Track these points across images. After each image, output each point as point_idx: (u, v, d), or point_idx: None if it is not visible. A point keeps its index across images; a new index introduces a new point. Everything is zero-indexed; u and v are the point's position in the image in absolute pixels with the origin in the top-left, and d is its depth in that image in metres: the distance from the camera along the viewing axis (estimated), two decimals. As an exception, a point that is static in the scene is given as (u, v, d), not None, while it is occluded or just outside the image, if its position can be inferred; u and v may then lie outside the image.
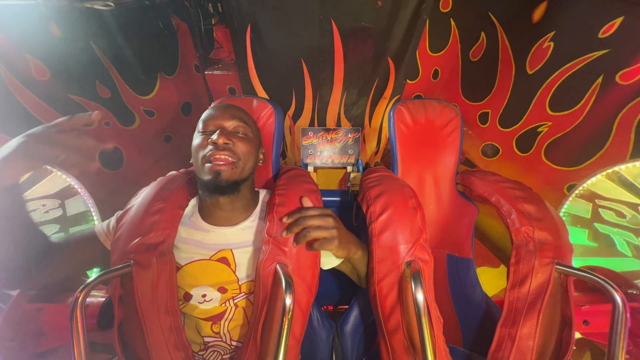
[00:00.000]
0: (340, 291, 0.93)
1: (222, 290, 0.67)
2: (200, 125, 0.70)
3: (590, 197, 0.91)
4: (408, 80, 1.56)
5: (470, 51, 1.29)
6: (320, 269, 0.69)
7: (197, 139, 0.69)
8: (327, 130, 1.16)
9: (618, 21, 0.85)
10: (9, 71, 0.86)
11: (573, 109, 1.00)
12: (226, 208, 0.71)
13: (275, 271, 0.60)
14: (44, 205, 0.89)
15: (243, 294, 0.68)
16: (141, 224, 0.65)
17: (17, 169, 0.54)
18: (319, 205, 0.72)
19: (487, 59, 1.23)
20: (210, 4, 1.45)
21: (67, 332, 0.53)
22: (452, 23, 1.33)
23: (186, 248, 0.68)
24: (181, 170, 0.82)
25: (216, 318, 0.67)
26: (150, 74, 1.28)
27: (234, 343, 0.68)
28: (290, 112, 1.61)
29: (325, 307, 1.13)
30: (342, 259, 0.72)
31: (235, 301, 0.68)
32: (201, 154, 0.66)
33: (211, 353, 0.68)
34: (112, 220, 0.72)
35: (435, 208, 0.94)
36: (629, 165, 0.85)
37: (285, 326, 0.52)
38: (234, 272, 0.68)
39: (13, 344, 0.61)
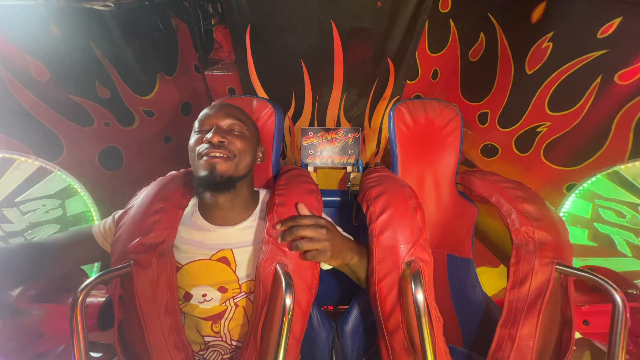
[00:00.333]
0: (340, 291, 0.93)
1: (222, 289, 0.67)
2: (196, 125, 0.70)
3: (590, 197, 0.91)
4: (408, 81, 1.56)
5: (470, 51, 1.30)
6: (320, 268, 0.69)
7: (193, 138, 0.69)
8: (327, 131, 1.16)
9: (617, 21, 0.85)
10: (8, 71, 0.86)
11: (572, 109, 1.00)
12: (225, 207, 0.71)
13: (275, 271, 0.60)
14: (44, 205, 0.88)
15: (243, 293, 0.68)
16: (141, 224, 0.65)
17: None
18: (320, 206, 0.72)
19: (486, 59, 1.23)
20: (210, 5, 1.45)
21: (67, 332, 0.52)
22: (452, 23, 1.33)
23: (186, 248, 0.68)
24: (181, 170, 0.82)
25: (216, 317, 0.67)
26: (149, 74, 1.28)
27: (234, 343, 0.68)
28: (290, 112, 1.61)
29: (325, 307, 1.12)
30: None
31: (235, 300, 0.68)
32: (196, 151, 0.67)
33: (211, 353, 0.68)
34: (109, 219, 0.72)
35: (435, 208, 0.94)
36: (629, 165, 0.86)
37: (285, 326, 0.52)
38: (234, 272, 0.68)
39: (13, 344, 0.61)
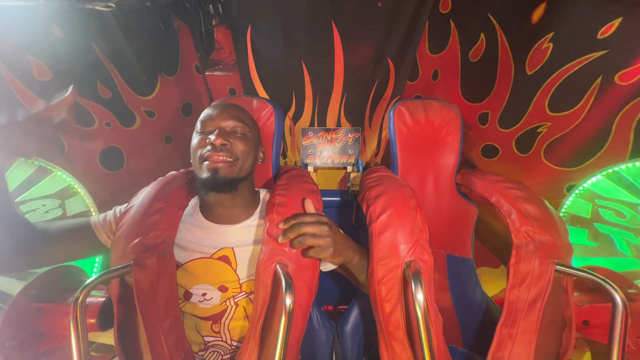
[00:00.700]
0: (340, 291, 0.93)
1: (222, 289, 0.67)
2: (198, 126, 0.70)
3: (590, 197, 0.91)
4: (408, 81, 1.56)
5: (470, 52, 1.30)
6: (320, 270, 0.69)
7: (195, 139, 0.69)
8: (327, 131, 1.17)
9: (617, 22, 0.85)
10: (10, 72, 0.86)
11: (572, 110, 1.00)
12: (226, 205, 0.71)
13: (275, 271, 0.60)
14: (44, 205, 0.89)
15: (244, 293, 0.68)
16: (141, 223, 0.65)
17: None
18: (320, 206, 0.73)
19: (486, 60, 1.23)
20: (211, 5, 1.45)
21: (67, 332, 0.53)
22: (452, 24, 1.33)
23: (187, 246, 0.69)
24: (181, 170, 0.83)
25: (216, 317, 0.67)
26: (150, 74, 1.29)
27: (234, 343, 0.68)
28: (291, 113, 1.61)
29: (325, 307, 1.12)
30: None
31: (235, 300, 0.68)
32: (199, 153, 0.67)
33: (211, 353, 0.68)
34: (110, 212, 0.72)
35: (435, 208, 0.94)
36: (629, 165, 0.86)
37: (285, 326, 0.52)
38: (235, 271, 0.68)
39: (13, 344, 0.61)
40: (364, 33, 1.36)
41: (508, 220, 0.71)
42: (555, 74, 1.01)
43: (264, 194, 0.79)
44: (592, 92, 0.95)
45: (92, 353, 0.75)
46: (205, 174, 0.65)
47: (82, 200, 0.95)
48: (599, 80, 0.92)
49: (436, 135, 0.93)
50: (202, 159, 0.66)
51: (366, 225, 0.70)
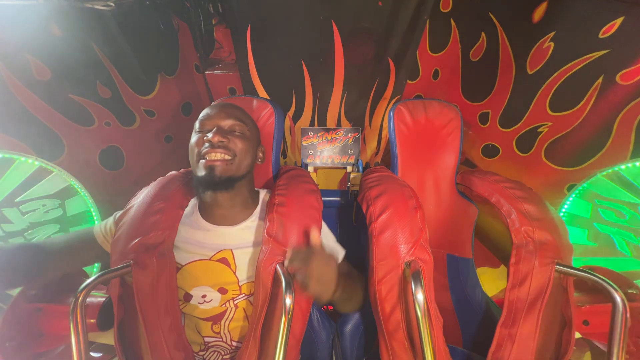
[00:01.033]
0: (340, 291, 0.92)
1: (222, 290, 0.67)
2: (197, 125, 0.70)
3: (591, 197, 0.91)
4: (408, 81, 1.55)
5: (471, 51, 1.29)
6: None
7: (194, 138, 0.69)
8: (327, 130, 1.16)
9: (618, 21, 0.85)
10: (9, 71, 0.86)
11: (573, 109, 1.00)
12: (225, 205, 0.71)
13: (275, 271, 0.60)
14: (44, 205, 0.89)
15: (243, 295, 0.68)
16: (141, 224, 0.65)
17: None
18: (320, 206, 0.72)
19: (487, 59, 1.23)
20: (210, 4, 1.45)
21: (67, 332, 0.53)
22: (453, 23, 1.32)
23: (187, 248, 0.68)
24: (181, 170, 0.83)
25: (216, 318, 0.67)
26: (150, 74, 1.28)
27: (234, 343, 0.68)
28: (291, 112, 1.61)
29: (325, 307, 1.12)
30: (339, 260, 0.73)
31: (235, 302, 0.68)
32: (197, 150, 0.67)
33: (211, 353, 0.68)
34: (110, 220, 0.72)
35: (435, 208, 0.94)
36: (629, 165, 0.85)
37: (285, 326, 0.52)
38: (234, 273, 0.68)
39: (13, 344, 0.61)
40: (364, 32, 1.36)
41: (508, 220, 0.71)
42: (556, 74, 1.01)
43: (263, 194, 0.79)
44: (593, 91, 0.94)
45: (92, 353, 0.75)
46: (201, 172, 0.65)
47: (82, 200, 0.95)
48: (600, 79, 0.92)
49: (436, 135, 0.93)
50: (200, 156, 0.66)
51: (366, 225, 0.70)
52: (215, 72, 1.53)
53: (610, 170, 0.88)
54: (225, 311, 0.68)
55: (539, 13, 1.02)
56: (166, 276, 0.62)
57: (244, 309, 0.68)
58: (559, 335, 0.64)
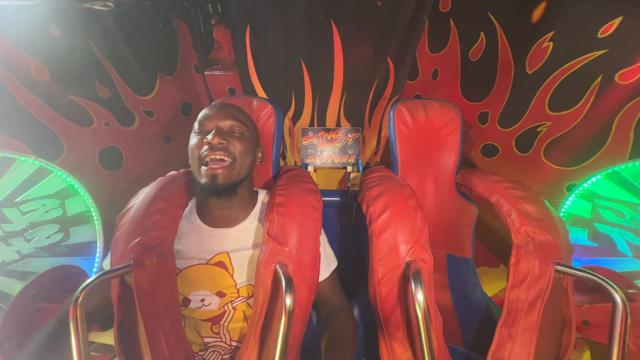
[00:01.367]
0: (340, 291, 0.92)
1: (220, 294, 0.67)
2: (196, 126, 0.70)
3: (590, 197, 0.91)
4: (408, 81, 1.56)
5: (470, 51, 1.29)
6: None
7: (193, 140, 0.68)
8: (327, 130, 1.16)
9: (617, 21, 0.85)
10: (8, 71, 0.86)
11: (572, 109, 1.00)
12: (224, 207, 0.71)
13: (275, 271, 0.60)
14: (44, 205, 0.89)
15: (241, 297, 0.68)
16: (141, 224, 0.65)
17: None
18: (320, 206, 0.72)
19: (486, 59, 1.23)
20: (209, 4, 1.45)
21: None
22: (452, 23, 1.33)
23: (184, 251, 0.68)
24: (181, 170, 0.82)
25: (216, 319, 0.67)
26: (149, 74, 1.28)
27: (233, 343, 0.68)
28: (290, 113, 1.60)
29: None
30: (331, 270, 0.75)
31: (234, 305, 0.68)
32: (197, 154, 0.66)
33: (211, 353, 0.68)
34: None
35: (435, 208, 0.94)
36: (629, 165, 0.86)
37: (285, 326, 0.52)
38: (232, 276, 0.68)
39: (13, 344, 0.61)
40: (363, 32, 1.36)
41: (508, 220, 0.71)
42: (555, 73, 1.01)
43: (263, 194, 0.79)
44: (592, 91, 0.95)
45: (92, 353, 0.75)
46: (203, 180, 0.65)
47: (82, 200, 0.95)
48: (599, 79, 0.92)
49: (436, 135, 0.93)
50: (201, 160, 0.65)
51: (366, 225, 0.70)
52: (215, 72, 1.53)
53: (610, 170, 0.88)
54: (223, 313, 0.68)
55: (538, 13, 1.02)
56: (166, 276, 0.62)
57: (243, 311, 0.68)
58: (559, 335, 0.64)
